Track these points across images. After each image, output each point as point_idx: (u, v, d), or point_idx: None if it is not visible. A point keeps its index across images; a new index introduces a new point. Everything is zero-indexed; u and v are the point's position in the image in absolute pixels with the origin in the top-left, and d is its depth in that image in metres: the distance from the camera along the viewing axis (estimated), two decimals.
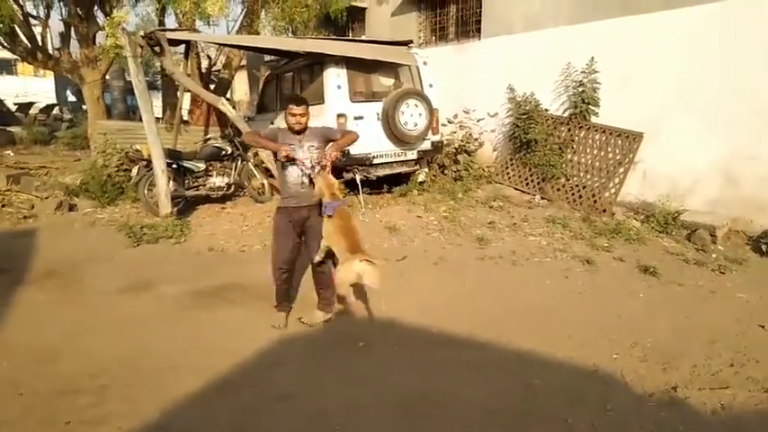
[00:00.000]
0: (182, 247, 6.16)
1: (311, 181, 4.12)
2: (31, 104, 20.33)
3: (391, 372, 3.62)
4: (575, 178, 7.79)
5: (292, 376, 3.57)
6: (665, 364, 3.73)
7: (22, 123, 18.65)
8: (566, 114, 8.08)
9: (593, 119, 7.76)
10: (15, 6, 9.70)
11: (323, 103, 7.38)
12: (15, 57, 13.10)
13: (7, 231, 6.78)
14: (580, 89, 7.79)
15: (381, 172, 7.70)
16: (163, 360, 3.74)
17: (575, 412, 3.17)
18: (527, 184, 8.30)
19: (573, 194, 7.67)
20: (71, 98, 25.20)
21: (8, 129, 17.60)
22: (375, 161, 7.58)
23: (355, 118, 7.34)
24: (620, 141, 7.43)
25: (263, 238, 6.33)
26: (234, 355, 3.77)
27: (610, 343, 4.02)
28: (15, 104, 21.18)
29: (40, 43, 11.26)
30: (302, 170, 4.10)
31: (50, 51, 11.55)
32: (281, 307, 4.40)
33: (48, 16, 11.63)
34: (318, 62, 7.50)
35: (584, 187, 7.60)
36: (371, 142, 7.47)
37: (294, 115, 4.05)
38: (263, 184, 8.03)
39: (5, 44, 10.74)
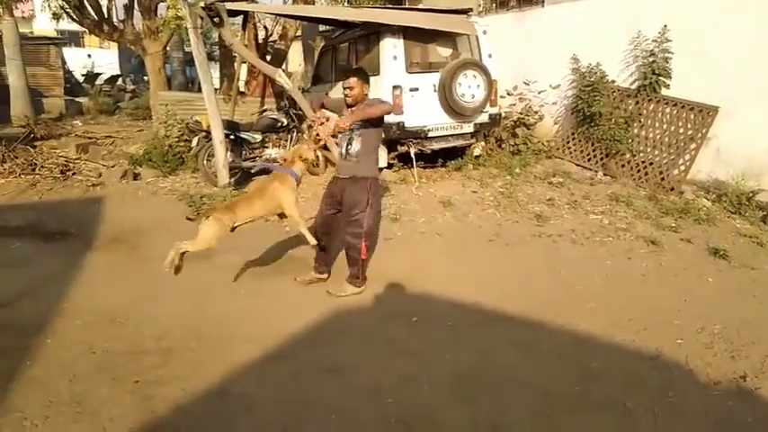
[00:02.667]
0: None
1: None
2: (97, 75, 21.14)
3: (444, 348, 3.59)
4: (641, 154, 7.42)
5: (346, 348, 3.60)
6: (734, 352, 3.54)
7: (88, 94, 19.49)
8: (633, 86, 7.66)
9: (664, 91, 7.32)
10: None
11: (378, 74, 7.28)
12: (83, 29, 13.57)
13: (77, 198, 7.13)
14: (650, 59, 7.34)
15: (436, 145, 7.57)
16: (222, 327, 3.84)
17: (634, 397, 3.06)
18: (589, 159, 7.98)
19: (639, 171, 7.32)
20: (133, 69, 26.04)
21: (76, 99, 18.46)
22: (430, 134, 7.45)
23: (411, 89, 7.23)
24: (692, 116, 6.99)
25: (317, 209, 6.39)
26: (289, 326, 3.84)
27: (674, 328, 3.84)
28: (83, 75, 22.09)
29: (106, 15, 11.60)
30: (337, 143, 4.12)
31: (115, 23, 11.89)
32: (314, 269, 4.58)
33: None
34: (375, 32, 7.38)
35: (651, 164, 7.23)
36: (427, 114, 7.35)
37: (344, 88, 4.10)
38: (317, 157, 8.06)
39: (74, 17, 11.12)
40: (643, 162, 7.31)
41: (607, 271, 4.85)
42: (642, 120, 7.45)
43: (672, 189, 6.84)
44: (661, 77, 7.25)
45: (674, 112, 7.15)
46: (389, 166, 7.82)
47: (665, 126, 7.23)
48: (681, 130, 7.07)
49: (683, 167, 6.97)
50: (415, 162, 7.43)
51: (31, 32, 21.60)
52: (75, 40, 27.48)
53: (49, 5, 10.65)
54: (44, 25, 21.14)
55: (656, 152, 7.26)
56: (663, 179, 7.00)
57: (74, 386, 3.12)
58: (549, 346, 3.66)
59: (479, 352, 3.56)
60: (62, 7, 10.68)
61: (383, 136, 4.51)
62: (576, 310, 4.08)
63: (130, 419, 2.85)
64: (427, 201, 6.66)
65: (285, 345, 3.65)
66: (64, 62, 19.89)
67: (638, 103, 7.52)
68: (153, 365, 3.35)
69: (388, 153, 7.75)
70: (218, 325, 3.87)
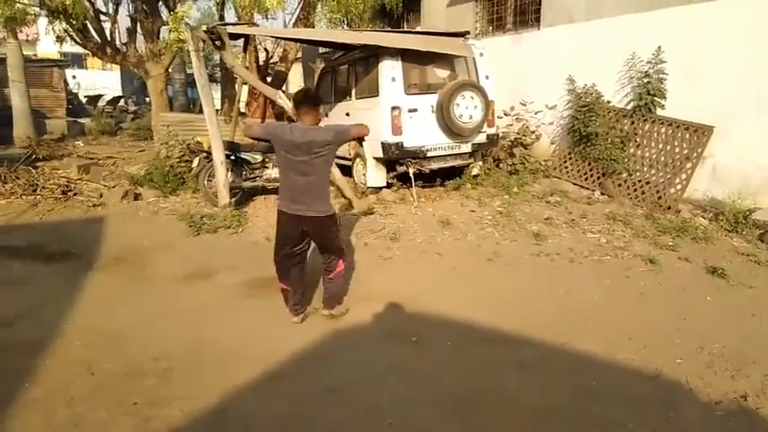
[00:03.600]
0: (239, 237, 6.33)
1: None
2: (99, 97, 21.37)
3: (443, 368, 3.59)
4: (638, 173, 7.48)
5: (345, 368, 3.61)
6: (734, 371, 3.53)
7: (91, 115, 19.68)
8: (629, 107, 7.75)
9: (659, 111, 7.41)
10: (87, 4, 10.17)
11: (377, 95, 7.39)
12: (86, 51, 13.76)
13: (78, 219, 7.18)
14: (645, 80, 7.44)
15: (435, 165, 7.64)
16: (221, 346, 3.85)
17: (635, 417, 3.05)
18: (586, 178, 8.03)
19: (635, 190, 7.37)
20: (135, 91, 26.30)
21: (79, 120, 18.65)
22: (429, 154, 7.53)
23: (409, 110, 7.32)
24: (687, 135, 7.07)
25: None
26: (289, 345, 3.84)
27: (673, 347, 3.85)
28: (85, 97, 22.32)
29: (109, 38, 11.78)
30: None
31: (118, 46, 12.06)
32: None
33: (116, 12, 12.17)
34: (373, 54, 7.51)
35: (647, 183, 7.28)
36: (425, 135, 7.44)
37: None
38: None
39: (78, 40, 11.30)
40: (640, 181, 7.36)
41: (605, 290, 4.86)
42: (638, 139, 7.53)
43: (669, 208, 6.88)
44: (656, 98, 7.34)
45: (670, 131, 7.23)
46: (389, 185, 7.88)
47: (660, 146, 7.30)
48: (677, 150, 7.13)
49: (679, 186, 7.02)
50: (413, 182, 7.49)
51: (35, 55, 21.88)
52: (77, 62, 27.79)
53: (53, 29, 10.82)
54: (48, 48, 21.40)
55: (653, 171, 7.32)
56: (660, 198, 7.05)
57: (72, 408, 3.12)
58: (548, 365, 3.66)
59: (479, 371, 3.56)
60: (66, 30, 10.84)
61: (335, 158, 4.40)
62: (574, 329, 4.08)
63: None
64: (426, 220, 6.70)
65: (284, 364, 3.65)
66: (66, 84, 20.12)
67: (633, 123, 7.60)
68: (152, 386, 3.35)
69: (387, 173, 7.83)
70: (217, 345, 3.88)
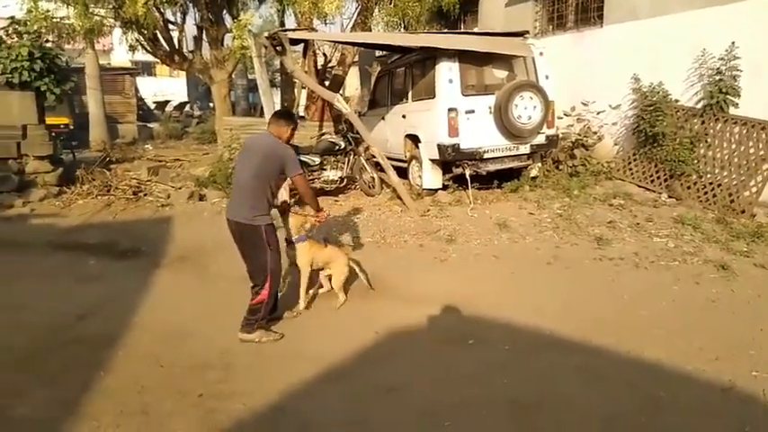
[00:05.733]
0: None
1: None
2: (166, 102, 22.41)
3: (500, 372, 3.54)
4: (708, 175, 7.10)
5: (402, 370, 3.62)
6: None
7: (159, 120, 20.66)
8: (699, 105, 7.37)
9: (732, 110, 7.02)
10: (157, 14, 10.69)
11: (434, 97, 7.37)
12: (155, 60, 14.46)
13: (148, 218, 7.55)
14: (717, 77, 7.06)
15: (492, 167, 7.53)
16: (282, 344, 3.96)
17: (706, 430, 2.90)
18: (652, 180, 7.71)
19: (706, 193, 7.00)
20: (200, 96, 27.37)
21: (148, 125, 19.62)
22: (485, 156, 7.44)
23: (466, 112, 7.26)
24: (764, 135, 6.64)
25: (374, 230, 6.49)
26: (347, 345, 3.89)
27: (749, 358, 3.63)
28: (154, 103, 23.45)
29: (177, 47, 12.34)
30: None
31: (185, 54, 12.60)
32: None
33: (184, 22, 12.71)
34: (430, 56, 7.50)
35: (719, 185, 6.90)
36: (482, 136, 7.35)
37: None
38: (373, 178, 8.20)
39: (148, 48, 11.89)
40: (711, 183, 6.99)
41: (674, 296, 4.65)
42: (709, 140, 7.15)
43: (743, 212, 6.49)
44: (729, 96, 6.95)
45: (744, 131, 6.82)
46: (445, 187, 7.84)
47: (733, 146, 6.91)
48: (751, 150, 6.72)
49: (754, 189, 6.61)
50: (470, 183, 7.42)
51: (109, 63, 23.19)
52: (147, 69, 29.23)
53: (126, 38, 11.44)
54: (121, 57, 22.65)
55: (725, 173, 6.93)
56: (732, 201, 6.66)
57: (142, 397, 3.28)
58: (611, 372, 3.54)
59: (538, 377, 3.49)
60: (137, 40, 11.43)
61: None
62: (640, 337, 3.93)
63: (195, 431, 2.97)
64: (483, 222, 6.62)
65: (342, 364, 3.70)
66: (137, 90, 21.21)
67: (704, 122, 7.23)
68: (216, 380, 3.48)
69: (444, 174, 7.79)
70: (278, 342, 3.99)
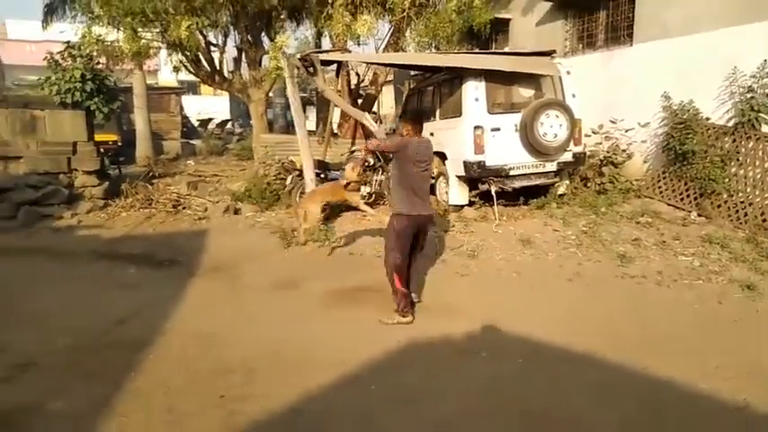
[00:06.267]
0: (325, 251, 6.67)
1: None
2: (209, 120, 23.22)
3: (513, 384, 3.62)
4: (740, 194, 6.98)
5: (416, 379, 3.73)
6: None
7: (201, 137, 21.43)
8: (730, 123, 7.28)
9: (765, 128, 6.90)
10: (200, 37, 11.24)
11: (460, 116, 7.52)
12: (198, 80, 15.11)
13: (186, 230, 7.91)
14: (749, 95, 6.98)
15: (518, 183, 7.60)
16: (302, 351, 4.13)
17: None
18: (681, 199, 7.61)
19: (737, 212, 6.88)
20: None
21: (191, 142, 20.38)
22: (511, 173, 7.51)
23: (492, 129, 7.37)
24: None
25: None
26: (365, 353, 4.03)
27: (766, 379, 3.60)
28: (197, 120, 24.33)
29: (218, 67, 12.90)
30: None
31: (225, 74, 13.15)
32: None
33: (224, 44, 13.29)
34: (458, 76, 7.66)
35: (750, 204, 6.78)
36: (508, 153, 7.44)
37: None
38: None
39: (191, 69, 12.48)
40: (742, 202, 6.87)
41: (694, 315, 4.62)
42: (740, 158, 7.04)
43: None
44: (761, 114, 6.85)
45: None
46: (471, 203, 7.94)
47: (766, 165, 6.78)
48: None
49: None
50: (495, 200, 7.50)
51: (156, 83, 24.27)
52: (192, 88, 30.38)
53: (170, 60, 12.05)
54: (167, 77, 23.63)
55: (757, 192, 6.80)
56: (764, 221, 6.53)
57: (169, 398, 3.50)
58: (624, 388, 3.57)
59: (551, 390, 3.55)
60: (181, 61, 12.02)
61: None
62: (657, 354, 3.93)
63: (214, 430, 3.17)
64: (507, 239, 6.69)
65: (359, 372, 3.84)
66: (182, 108, 22.09)
67: (735, 140, 7.13)
68: (238, 383, 3.68)
69: (470, 191, 7.89)
70: (299, 348, 4.17)
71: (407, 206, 4.58)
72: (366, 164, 8.36)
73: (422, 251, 5.05)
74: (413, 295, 4.84)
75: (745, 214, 6.76)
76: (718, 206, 7.10)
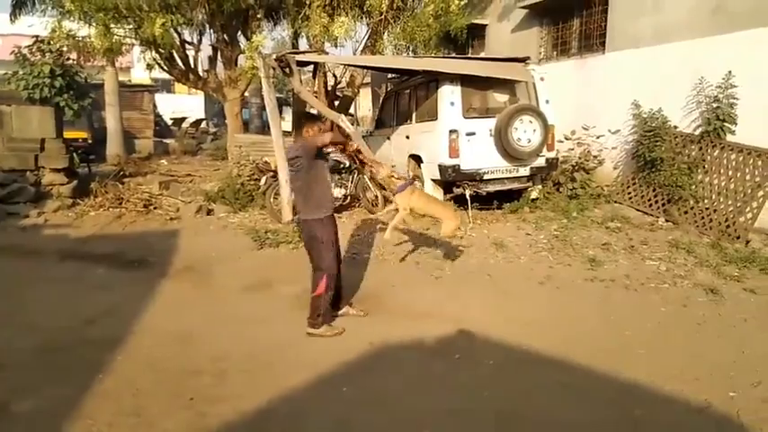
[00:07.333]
0: (299, 252, 6.58)
1: None
2: (183, 119, 22.87)
3: (484, 385, 3.65)
4: (705, 201, 7.20)
5: (389, 379, 3.75)
6: None
7: (175, 136, 21.11)
8: (697, 132, 7.50)
9: (729, 137, 7.14)
10: (174, 35, 11.07)
11: (436, 119, 7.58)
12: (172, 78, 14.88)
13: (157, 230, 7.79)
14: (714, 105, 7.21)
15: (492, 188, 7.71)
16: (275, 352, 4.11)
17: None
18: (650, 205, 7.81)
19: (702, 218, 7.10)
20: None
21: (164, 141, 20.06)
22: (485, 177, 7.60)
23: (467, 134, 7.45)
24: (760, 162, 6.76)
25: (373, 246, 6.66)
26: (338, 355, 4.03)
27: (728, 380, 3.70)
28: (171, 119, 23.96)
29: (193, 66, 12.72)
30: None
31: (200, 73, 12.98)
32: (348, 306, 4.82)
33: (200, 42, 13.10)
34: (434, 80, 7.74)
35: (715, 211, 7.00)
36: (482, 158, 7.53)
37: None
38: (376, 197, 8.39)
39: (165, 67, 12.28)
40: (707, 209, 7.09)
41: (660, 318, 4.73)
42: (706, 166, 7.27)
43: (738, 237, 6.57)
44: (726, 123, 7.09)
45: (741, 158, 6.94)
46: None
47: (730, 173, 7.01)
48: (747, 177, 6.83)
49: (749, 215, 6.70)
50: (470, 204, 7.57)
51: (129, 80, 23.81)
52: (166, 87, 29.89)
53: (144, 57, 11.84)
54: (141, 74, 23.20)
55: (721, 199, 7.03)
56: (728, 227, 6.75)
57: (137, 399, 3.44)
58: (593, 390, 3.64)
59: (521, 391, 3.59)
60: (155, 59, 11.82)
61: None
62: (624, 357, 4.02)
63: None
64: (480, 242, 6.76)
65: (332, 372, 3.83)
66: (155, 107, 21.72)
67: (701, 148, 7.35)
68: (209, 384, 3.64)
69: (444, 194, 7.96)
70: (270, 349, 4.14)
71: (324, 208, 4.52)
72: (342, 166, 8.37)
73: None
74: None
75: (711, 220, 6.97)
76: (685, 212, 7.30)
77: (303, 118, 4.59)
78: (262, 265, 6.24)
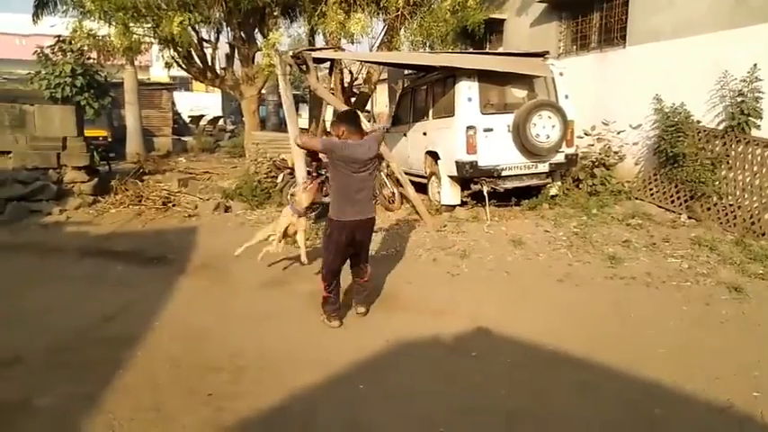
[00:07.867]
0: (316, 249, 6.64)
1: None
2: (201, 117, 23.11)
3: (500, 384, 3.61)
4: (729, 197, 7.03)
5: (404, 378, 3.73)
6: None
7: (193, 134, 21.34)
8: (721, 127, 7.34)
9: (754, 132, 6.96)
10: (192, 33, 11.17)
11: (453, 115, 7.53)
12: (190, 76, 15.03)
13: (175, 227, 7.87)
14: (739, 99, 7.03)
15: (510, 184, 7.62)
16: (291, 349, 4.12)
17: None
18: (672, 201, 7.66)
19: (726, 215, 6.94)
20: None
21: (182, 138, 20.29)
22: (503, 173, 7.53)
23: (485, 130, 7.38)
24: None
25: (390, 244, 6.64)
26: (357, 352, 4.03)
27: (751, 380, 3.61)
28: (189, 117, 24.21)
29: (210, 64, 12.83)
30: None
31: (218, 71, 13.09)
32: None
33: (217, 40, 13.20)
34: (451, 75, 7.68)
35: (739, 207, 6.83)
36: (500, 154, 7.46)
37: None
38: (393, 193, 8.36)
39: (183, 65, 12.40)
40: (731, 205, 6.92)
41: (682, 316, 4.64)
42: (730, 161, 7.09)
43: (763, 234, 6.40)
44: (751, 117, 6.90)
45: (766, 153, 6.75)
46: (463, 203, 7.96)
47: (755, 168, 6.83)
48: None
49: None
50: (487, 200, 7.51)
51: (148, 79, 24.09)
52: (184, 85, 30.20)
53: (162, 56, 11.97)
54: (159, 72, 23.48)
55: (746, 195, 6.85)
56: (753, 224, 6.58)
57: (156, 395, 3.48)
58: (610, 389, 3.58)
59: (537, 390, 3.55)
60: (173, 57, 11.95)
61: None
62: (643, 355, 3.95)
63: (201, 428, 3.15)
64: (498, 239, 6.70)
65: (348, 370, 3.83)
66: (173, 105, 21.96)
67: (725, 144, 7.18)
68: (226, 381, 3.66)
69: (462, 191, 7.91)
70: (287, 346, 4.16)
71: (337, 211, 4.38)
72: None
73: (366, 263, 4.70)
74: (360, 308, 4.75)
75: (735, 217, 6.82)
76: (708, 209, 7.15)
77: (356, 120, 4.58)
78: (278, 263, 6.25)
